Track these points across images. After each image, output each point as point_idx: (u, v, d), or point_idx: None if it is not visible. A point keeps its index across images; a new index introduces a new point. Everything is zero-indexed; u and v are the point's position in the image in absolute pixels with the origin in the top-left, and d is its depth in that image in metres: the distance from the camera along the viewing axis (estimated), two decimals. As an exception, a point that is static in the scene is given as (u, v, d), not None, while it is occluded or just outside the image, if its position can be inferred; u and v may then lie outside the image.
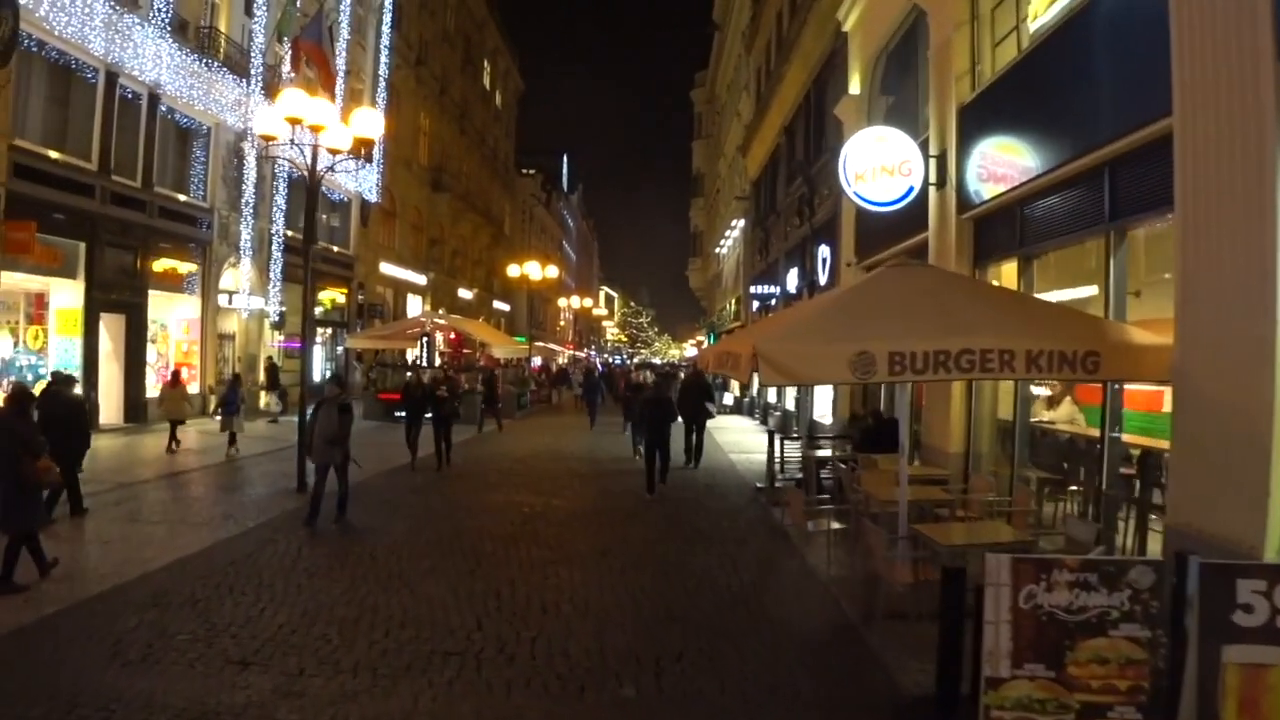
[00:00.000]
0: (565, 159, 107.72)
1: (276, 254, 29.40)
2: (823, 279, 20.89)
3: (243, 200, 27.54)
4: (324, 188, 35.50)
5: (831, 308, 7.37)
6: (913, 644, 6.89)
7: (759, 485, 15.09)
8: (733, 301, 43.92)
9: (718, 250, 50.10)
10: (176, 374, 20.10)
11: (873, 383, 6.80)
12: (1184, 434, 6.56)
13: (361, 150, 15.16)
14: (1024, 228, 10.16)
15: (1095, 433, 9.31)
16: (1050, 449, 10.90)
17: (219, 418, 18.28)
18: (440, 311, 44.74)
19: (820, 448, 14.92)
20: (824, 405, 21.53)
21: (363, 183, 37.04)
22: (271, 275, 29.30)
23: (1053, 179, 9.29)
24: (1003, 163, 10.55)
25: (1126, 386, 8.44)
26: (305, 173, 14.22)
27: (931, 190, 12.25)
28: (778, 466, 15.07)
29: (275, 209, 29.48)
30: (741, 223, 38.89)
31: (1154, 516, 8.84)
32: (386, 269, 41.53)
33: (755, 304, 30.83)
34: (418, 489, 14.46)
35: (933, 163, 12.13)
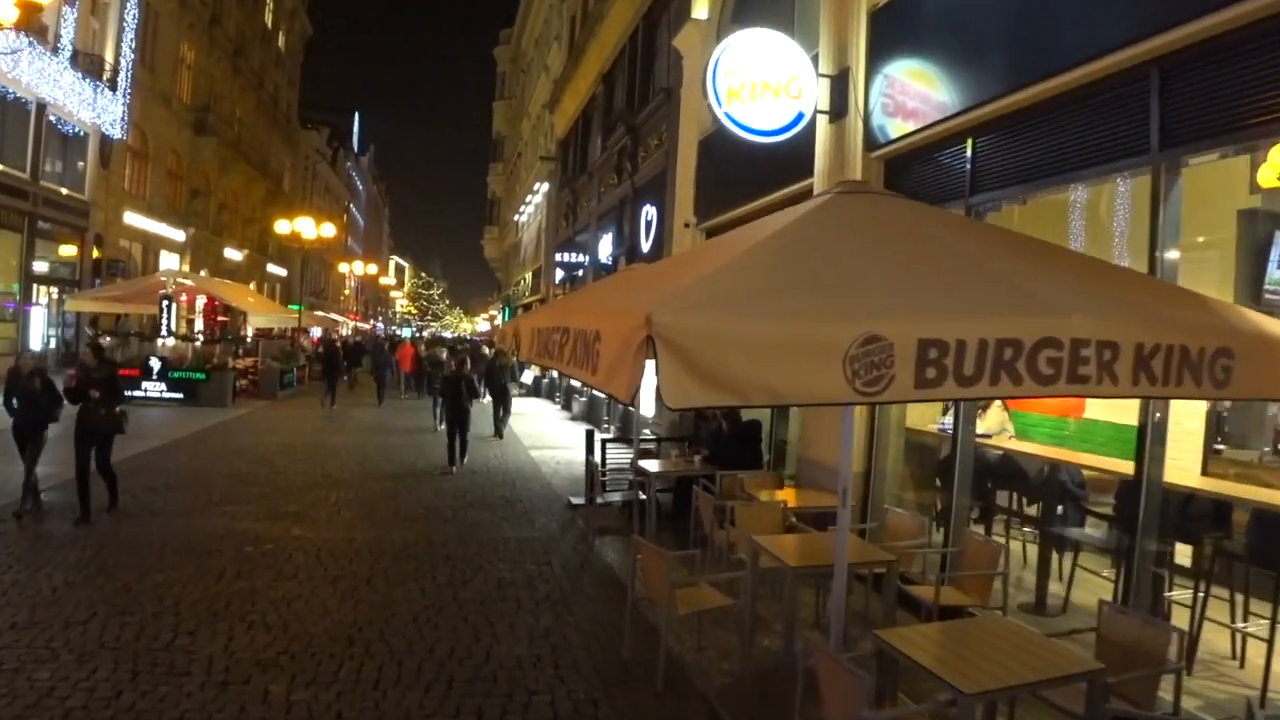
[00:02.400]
0: (357, 117, 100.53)
1: (-28, 192, 23.71)
2: (645, 245, 17.80)
3: (-78, 119, 21.80)
4: (52, 116, 29.71)
5: (765, 254, 3.97)
6: None
7: (574, 501, 11.74)
8: (530, 274, 40.48)
9: (517, 218, 46.43)
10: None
11: (887, 401, 3.55)
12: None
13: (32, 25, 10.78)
14: (978, 167, 7.25)
15: (1104, 462, 6.57)
16: (979, 471, 8.11)
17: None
18: (201, 273, 39.15)
19: (653, 455, 11.71)
20: (645, 393, 18.44)
21: (102, 114, 31.17)
22: (-35, 217, 23.57)
23: (1032, 96, 6.42)
24: (931, 84, 7.63)
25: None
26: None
27: (821, 122, 9.20)
28: (599, 476, 11.84)
29: (-27, 135, 23.74)
30: (545, 186, 35.45)
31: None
32: (133, 220, 35.53)
33: (560, 274, 27.49)
34: (97, 512, 9.85)
35: (826, 85, 9.08)
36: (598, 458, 11.73)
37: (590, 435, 12.09)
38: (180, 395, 22.59)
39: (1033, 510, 8.13)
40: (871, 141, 8.53)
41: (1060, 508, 7.47)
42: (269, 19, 55.90)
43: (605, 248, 21.88)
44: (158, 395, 22.57)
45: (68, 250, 31.42)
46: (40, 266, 30.12)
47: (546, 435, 19.85)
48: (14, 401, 9.55)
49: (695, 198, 14.12)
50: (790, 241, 3.92)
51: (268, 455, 14.93)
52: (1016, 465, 8.06)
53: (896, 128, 8.18)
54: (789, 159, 9.81)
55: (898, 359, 3.04)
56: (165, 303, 23.83)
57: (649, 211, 17.65)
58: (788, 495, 8.20)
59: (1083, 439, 8.44)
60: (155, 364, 22.64)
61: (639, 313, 3.11)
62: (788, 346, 3.03)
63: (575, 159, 28.94)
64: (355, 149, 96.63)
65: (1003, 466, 8.15)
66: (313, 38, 68.90)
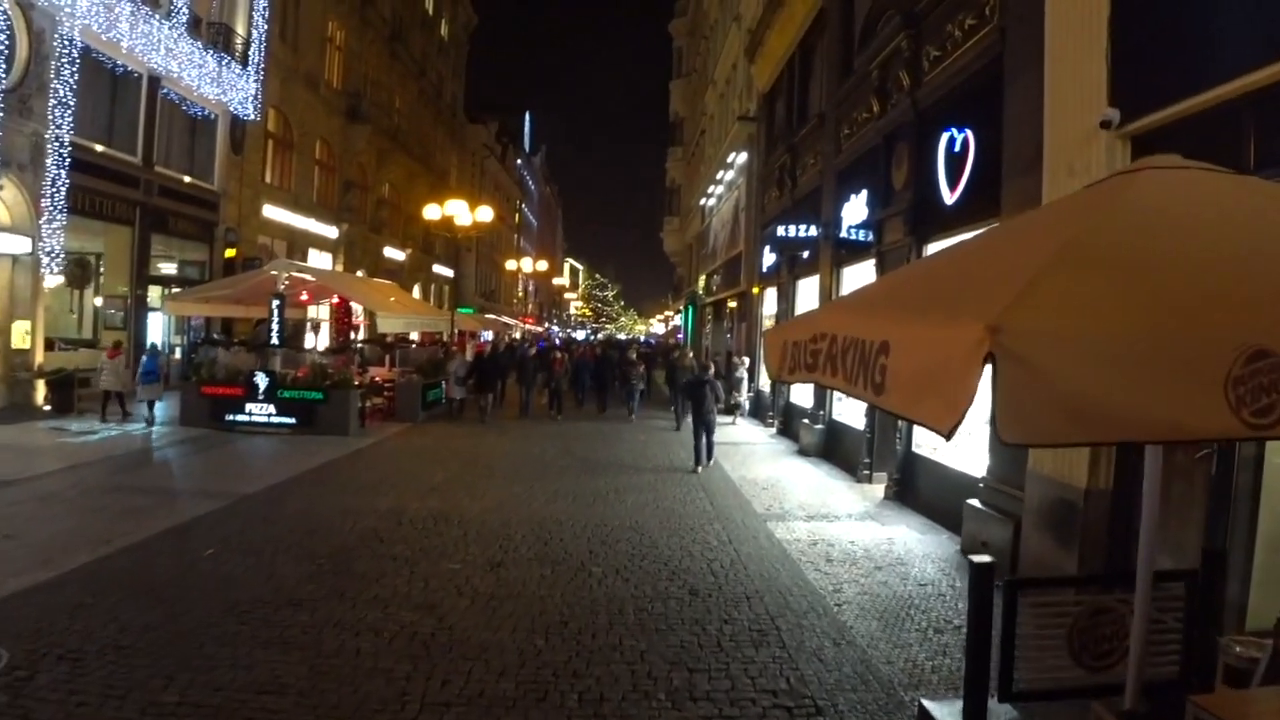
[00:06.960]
0: (528, 117, 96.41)
1: (57, 170, 19.14)
2: (950, 195, 11.19)
3: (-19, 78, 17.23)
4: (171, 93, 25.42)
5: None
6: None
7: (935, 713, 5.31)
8: (712, 271, 34.13)
9: (703, 202, 40.08)
10: (118, 345, 19.24)
11: None
12: None
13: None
14: None
15: None
16: None
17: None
18: (359, 273, 34.69)
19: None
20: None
21: (229, 91, 26.73)
22: (47, 202, 18.98)
23: None
24: None
25: None
26: None
27: None
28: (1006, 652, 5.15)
29: (55, 103, 19.20)
30: (743, 157, 28.97)
31: None
32: (274, 214, 31.21)
33: (773, 255, 20.89)
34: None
35: None
36: (996, 614, 5.10)
37: (981, 576, 5.29)
38: (292, 420, 17.40)
39: None
40: None
41: None
42: (430, 6, 51.61)
43: (854, 213, 15.23)
44: (264, 420, 17.45)
45: (193, 246, 27.21)
46: (164, 266, 26.00)
47: (780, 487, 13.34)
48: None
49: (1111, 75, 7.41)
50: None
51: (349, 545, 8.96)
52: None
53: None
54: None
55: None
56: (276, 304, 18.69)
57: (955, 139, 11.02)
58: None
59: None
60: (261, 380, 17.48)
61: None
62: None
63: (790, 109, 22.43)
64: (527, 149, 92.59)
65: None
66: (478, 29, 64.81)
